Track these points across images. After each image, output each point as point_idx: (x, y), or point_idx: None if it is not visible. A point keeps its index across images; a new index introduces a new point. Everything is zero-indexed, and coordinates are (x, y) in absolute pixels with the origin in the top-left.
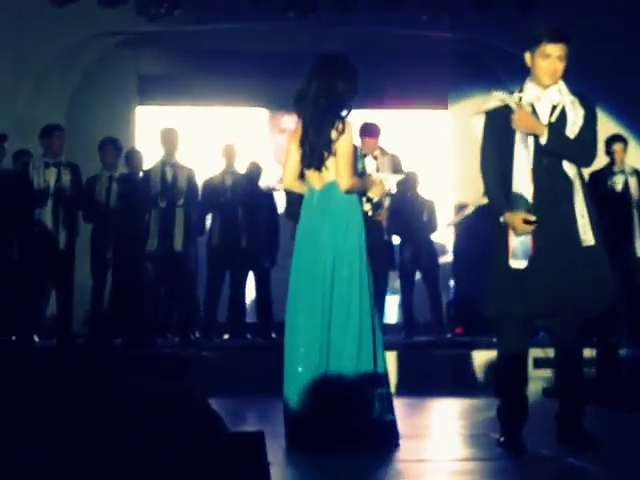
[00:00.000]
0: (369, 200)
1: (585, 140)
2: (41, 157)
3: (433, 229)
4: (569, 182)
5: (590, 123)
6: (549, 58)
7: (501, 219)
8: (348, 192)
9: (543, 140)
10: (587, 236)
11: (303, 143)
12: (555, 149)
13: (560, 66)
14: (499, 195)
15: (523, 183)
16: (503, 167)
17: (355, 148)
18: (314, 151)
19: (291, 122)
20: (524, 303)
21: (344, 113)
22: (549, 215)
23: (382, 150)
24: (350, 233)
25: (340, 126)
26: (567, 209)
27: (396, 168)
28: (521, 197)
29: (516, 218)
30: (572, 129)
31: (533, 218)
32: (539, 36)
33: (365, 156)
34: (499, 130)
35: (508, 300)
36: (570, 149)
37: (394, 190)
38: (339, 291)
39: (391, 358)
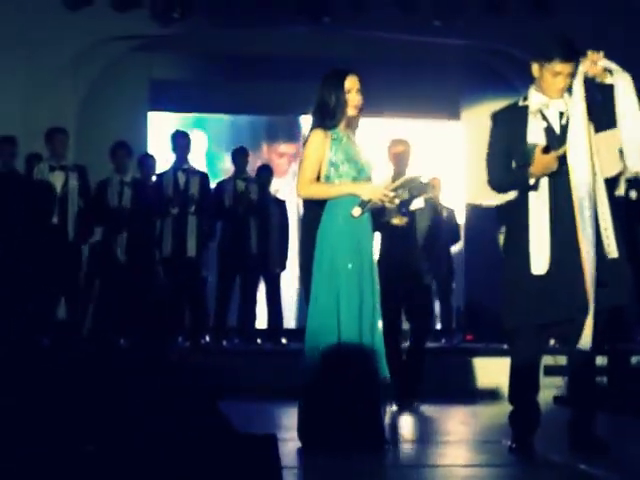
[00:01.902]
0: (361, 203)
1: None
2: (47, 160)
3: (456, 238)
4: (592, 192)
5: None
6: (559, 75)
7: (531, 181)
8: (305, 199)
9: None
10: (611, 248)
11: None
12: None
13: (568, 82)
14: (513, 173)
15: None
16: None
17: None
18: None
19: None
20: (540, 310)
21: (322, 124)
22: (570, 220)
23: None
24: (369, 238)
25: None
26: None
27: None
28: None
29: (536, 156)
30: (579, 133)
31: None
32: (550, 52)
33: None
34: (508, 131)
35: (524, 307)
36: None
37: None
38: (368, 297)
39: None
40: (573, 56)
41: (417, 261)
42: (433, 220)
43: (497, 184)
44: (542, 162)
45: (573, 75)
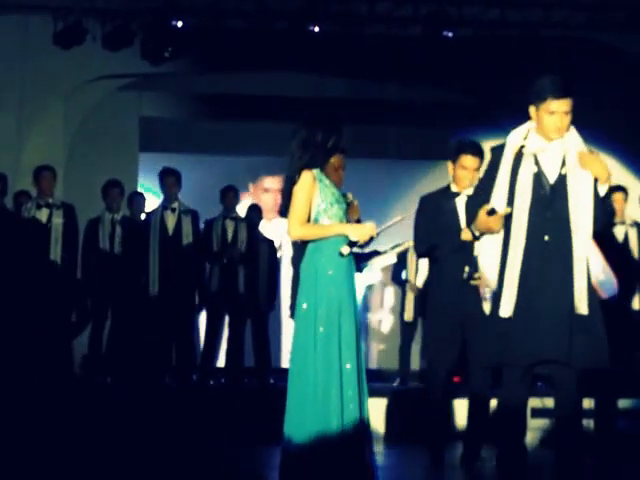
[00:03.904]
0: (350, 243)
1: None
2: (35, 198)
3: None
4: (571, 241)
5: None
6: (555, 114)
7: (472, 227)
8: (298, 240)
9: (603, 190)
10: (581, 306)
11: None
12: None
13: (566, 120)
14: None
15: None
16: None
17: (337, 195)
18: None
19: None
20: (523, 352)
21: (313, 164)
22: (545, 270)
23: None
24: (352, 277)
25: (297, 177)
26: (565, 269)
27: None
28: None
29: (479, 215)
30: (579, 184)
31: (494, 207)
32: (543, 91)
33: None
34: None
35: (508, 348)
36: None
37: (392, 258)
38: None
39: (383, 405)
40: (567, 93)
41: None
42: None
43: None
44: (485, 223)
45: (570, 113)
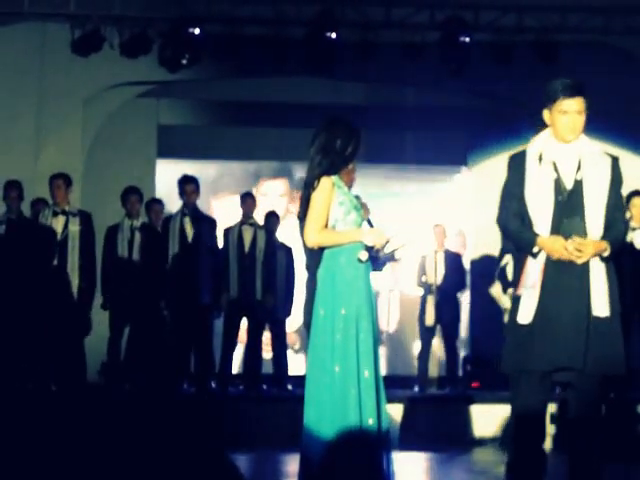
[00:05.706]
0: (367, 248)
1: (617, 220)
2: (51, 205)
3: (462, 285)
4: None
5: (618, 195)
6: (568, 114)
7: (534, 249)
8: (318, 247)
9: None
10: (599, 309)
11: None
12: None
13: (580, 120)
14: (523, 229)
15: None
16: (523, 209)
17: (354, 201)
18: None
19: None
20: (541, 358)
21: (332, 170)
22: (563, 276)
23: None
24: (369, 283)
25: (315, 183)
26: (582, 275)
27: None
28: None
29: (552, 240)
30: (594, 189)
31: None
32: (555, 92)
33: None
34: (521, 176)
35: (525, 355)
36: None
37: (403, 246)
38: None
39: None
40: (578, 92)
41: None
42: None
43: (503, 227)
44: (548, 243)
45: (583, 113)
